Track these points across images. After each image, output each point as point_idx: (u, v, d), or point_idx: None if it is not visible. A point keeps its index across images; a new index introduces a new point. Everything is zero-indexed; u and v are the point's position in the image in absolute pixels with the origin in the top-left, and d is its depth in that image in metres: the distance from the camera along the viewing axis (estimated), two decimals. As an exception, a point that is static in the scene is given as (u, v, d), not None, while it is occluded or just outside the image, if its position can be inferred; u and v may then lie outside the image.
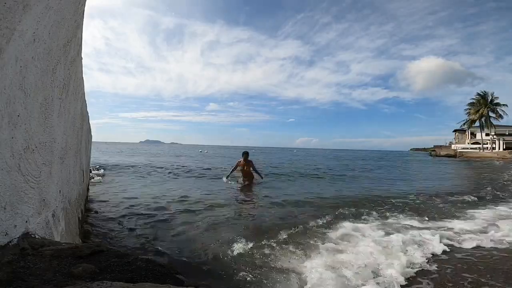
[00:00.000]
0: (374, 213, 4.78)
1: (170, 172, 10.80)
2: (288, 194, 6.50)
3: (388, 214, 4.79)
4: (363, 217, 4.52)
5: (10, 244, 0.89)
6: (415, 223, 4.24)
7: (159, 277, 0.85)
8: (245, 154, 7.29)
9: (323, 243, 3.22)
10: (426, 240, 3.33)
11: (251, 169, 7.34)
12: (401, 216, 4.69)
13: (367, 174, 13.13)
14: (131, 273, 0.84)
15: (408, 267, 2.62)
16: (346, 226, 3.92)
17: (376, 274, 2.46)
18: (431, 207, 5.54)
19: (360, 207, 5.20)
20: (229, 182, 7.60)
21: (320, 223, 4.07)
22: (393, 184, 9.43)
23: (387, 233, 3.63)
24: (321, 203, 5.68)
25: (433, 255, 2.99)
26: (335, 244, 3.23)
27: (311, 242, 3.26)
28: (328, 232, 3.66)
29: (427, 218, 4.53)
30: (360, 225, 3.99)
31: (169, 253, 2.97)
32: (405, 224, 4.14)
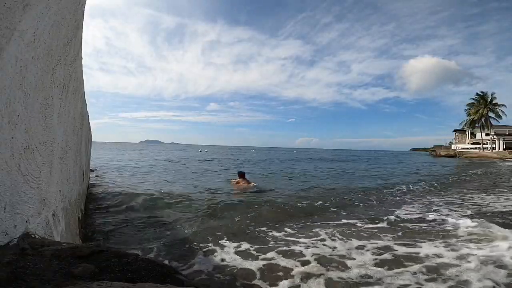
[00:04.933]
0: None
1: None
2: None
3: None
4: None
5: (10, 244, 0.89)
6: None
7: (159, 277, 0.85)
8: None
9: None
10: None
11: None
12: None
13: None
14: (131, 273, 0.84)
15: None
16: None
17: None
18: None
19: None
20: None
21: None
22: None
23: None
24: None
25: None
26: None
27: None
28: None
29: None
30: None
31: (169, 252, 2.97)
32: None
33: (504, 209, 5.42)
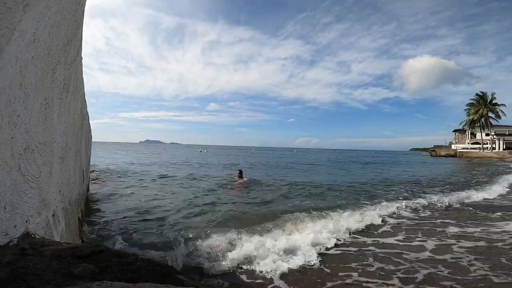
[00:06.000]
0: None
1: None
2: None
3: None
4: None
5: (10, 244, 0.89)
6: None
7: (159, 277, 0.85)
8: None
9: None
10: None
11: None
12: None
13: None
14: (131, 273, 0.84)
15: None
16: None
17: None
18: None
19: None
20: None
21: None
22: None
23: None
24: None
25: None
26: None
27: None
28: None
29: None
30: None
31: (169, 252, 2.97)
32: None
33: None
